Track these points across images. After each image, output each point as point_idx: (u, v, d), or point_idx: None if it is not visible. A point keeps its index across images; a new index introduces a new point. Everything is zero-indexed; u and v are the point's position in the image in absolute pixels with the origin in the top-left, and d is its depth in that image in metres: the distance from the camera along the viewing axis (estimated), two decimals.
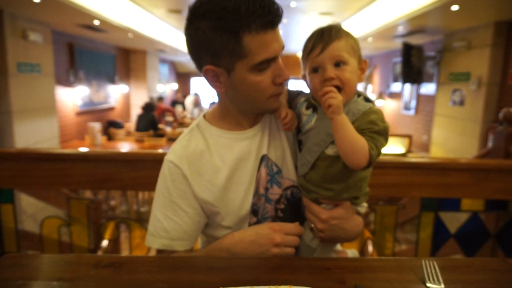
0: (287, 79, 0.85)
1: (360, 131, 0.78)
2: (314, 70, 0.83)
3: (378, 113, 0.82)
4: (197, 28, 0.79)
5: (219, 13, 0.76)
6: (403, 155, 6.10)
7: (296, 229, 0.89)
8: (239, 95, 0.85)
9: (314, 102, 0.88)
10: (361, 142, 0.76)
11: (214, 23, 0.76)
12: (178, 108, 9.87)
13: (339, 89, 0.80)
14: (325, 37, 0.81)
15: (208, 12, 0.77)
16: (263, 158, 0.91)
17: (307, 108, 0.89)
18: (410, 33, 5.51)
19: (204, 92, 11.89)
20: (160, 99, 8.95)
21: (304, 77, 0.89)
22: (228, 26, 0.76)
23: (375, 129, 0.79)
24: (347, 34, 0.84)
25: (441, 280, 0.70)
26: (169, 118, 8.43)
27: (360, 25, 5.94)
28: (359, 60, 0.85)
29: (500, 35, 4.54)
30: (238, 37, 0.76)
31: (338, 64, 0.81)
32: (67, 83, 6.08)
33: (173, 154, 0.91)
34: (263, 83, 0.82)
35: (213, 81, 0.85)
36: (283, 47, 0.83)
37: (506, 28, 4.52)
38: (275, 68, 0.83)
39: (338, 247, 1.04)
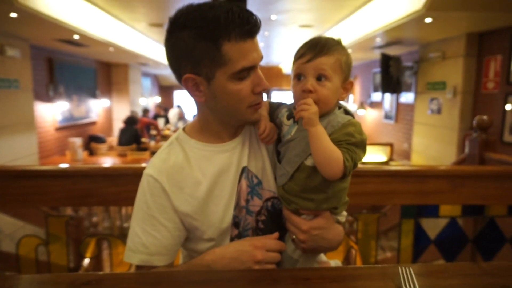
0: (266, 89, 0.87)
1: (337, 142, 0.80)
2: (297, 77, 0.85)
3: (356, 125, 0.83)
4: (177, 38, 0.81)
5: (200, 23, 0.78)
6: (385, 163, 6.22)
7: (278, 245, 0.89)
8: (219, 104, 0.86)
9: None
10: (336, 154, 0.78)
11: (195, 32, 0.78)
12: (160, 122, 9.80)
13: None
14: (317, 48, 0.83)
15: (188, 22, 0.79)
16: (244, 170, 0.92)
17: (288, 118, 0.90)
18: (388, 44, 5.67)
19: (187, 105, 11.86)
20: (146, 111, 8.88)
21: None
22: (208, 34, 0.78)
23: (352, 141, 0.80)
24: (341, 52, 0.85)
25: (417, 286, 0.72)
26: (153, 132, 8.36)
27: (340, 37, 6.06)
28: (345, 79, 0.87)
29: (472, 45, 4.72)
30: (218, 45, 0.78)
31: (319, 78, 0.83)
32: (46, 98, 5.97)
33: (152, 168, 0.91)
34: (243, 92, 0.83)
35: (193, 90, 0.86)
36: (261, 57, 0.85)
37: (477, 39, 4.72)
38: (255, 78, 0.85)
39: (322, 257, 1.04)
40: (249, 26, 0.79)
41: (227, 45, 0.78)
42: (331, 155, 0.77)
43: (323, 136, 0.78)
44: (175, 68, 0.86)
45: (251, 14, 0.80)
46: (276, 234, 0.90)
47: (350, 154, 0.79)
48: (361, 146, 0.82)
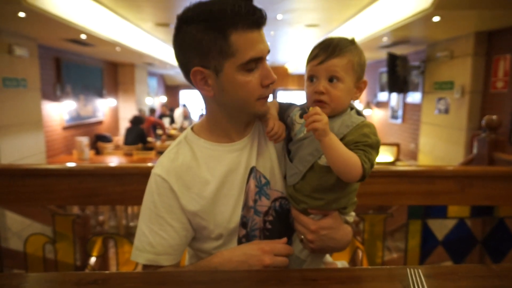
0: (274, 81, 0.86)
1: (354, 144, 0.80)
2: (310, 78, 0.86)
3: (371, 126, 0.84)
4: (185, 33, 0.82)
5: (206, 15, 0.79)
6: (392, 163, 6.17)
7: (286, 249, 0.88)
8: (228, 97, 0.86)
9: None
10: (353, 159, 0.77)
11: (202, 24, 0.79)
12: (165, 121, 9.84)
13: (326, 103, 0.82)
14: (329, 50, 0.83)
15: (195, 16, 0.80)
16: (252, 170, 0.91)
17: (301, 117, 0.90)
18: (395, 43, 5.63)
19: (192, 104, 11.88)
20: (152, 111, 8.91)
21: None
22: (215, 25, 0.79)
23: (368, 142, 0.80)
24: (353, 53, 0.85)
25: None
26: (159, 131, 8.40)
27: (353, 36, 6.04)
28: (358, 79, 0.87)
29: (481, 45, 4.67)
30: (225, 35, 0.79)
31: (331, 79, 0.83)
32: (53, 97, 6.02)
33: (161, 167, 0.91)
34: (251, 84, 0.83)
35: (202, 84, 0.86)
36: (268, 50, 0.85)
37: (486, 38, 4.66)
38: (263, 70, 0.84)
39: (328, 258, 1.03)
40: (255, 16, 0.80)
41: (234, 35, 0.79)
42: (348, 160, 0.77)
43: (337, 144, 0.77)
44: (183, 63, 0.86)
45: (256, 7, 0.81)
46: (285, 239, 0.90)
47: (367, 155, 0.79)
48: (376, 147, 0.82)
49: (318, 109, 0.78)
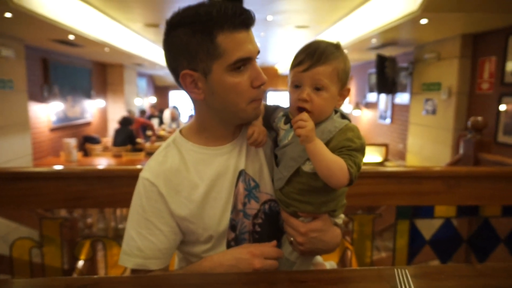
0: (264, 82, 0.86)
1: (338, 149, 0.79)
2: (294, 85, 0.84)
3: (354, 130, 0.83)
4: (173, 37, 0.82)
5: (193, 18, 0.80)
6: (381, 163, 6.24)
7: (276, 252, 0.88)
8: (218, 100, 0.85)
9: (292, 117, 0.88)
10: (339, 164, 0.77)
11: (189, 27, 0.80)
12: (154, 122, 9.77)
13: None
14: (315, 57, 0.81)
15: (182, 19, 0.81)
16: (241, 173, 0.91)
17: (285, 123, 0.90)
18: (384, 45, 5.69)
19: (182, 105, 11.81)
20: (143, 112, 8.83)
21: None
22: (202, 28, 0.79)
23: (353, 147, 0.80)
24: (339, 59, 0.83)
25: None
26: (149, 132, 8.34)
27: (336, 38, 6.09)
28: (343, 86, 0.86)
29: (467, 47, 4.75)
30: (212, 37, 0.79)
31: (317, 88, 0.82)
32: (41, 98, 5.93)
33: (149, 171, 0.90)
34: (241, 85, 0.83)
35: (191, 87, 0.85)
36: (258, 51, 0.85)
37: (472, 40, 4.75)
38: (252, 71, 0.84)
39: (318, 259, 1.04)
40: (242, 17, 0.80)
41: (221, 36, 0.79)
42: (334, 166, 0.76)
43: (323, 150, 0.77)
44: (172, 67, 0.86)
45: (244, 8, 0.81)
46: (274, 242, 0.90)
47: (353, 159, 0.78)
48: (361, 150, 0.82)
49: (305, 115, 0.78)
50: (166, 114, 10.32)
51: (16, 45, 4.72)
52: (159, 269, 0.89)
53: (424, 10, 3.48)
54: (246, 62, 0.83)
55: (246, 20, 0.81)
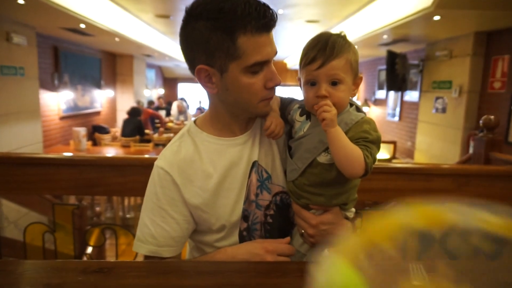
0: (278, 84, 0.86)
1: (355, 140, 0.80)
2: (310, 83, 0.84)
3: (371, 123, 0.84)
4: (193, 28, 0.80)
5: (216, 14, 0.77)
6: (388, 161, 6.20)
7: (289, 250, 0.89)
8: (231, 97, 0.86)
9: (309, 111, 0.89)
10: (356, 152, 0.78)
11: (211, 23, 0.78)
12: (161, 114, 9.80)
13: None
14: (327, 52, 0.81)
15: (205, 12, 0.78)
16: (254, 164, 0.92)
17: (301, 115, 0.90)
18: (394, 41, 5.64)
19: (190, 97, 11.82)
20: (151, 103, 8.85)
21: (299, 80, 0.89)
22: (224, 26, 0.77)
23: (369, 139, 0.80)
24: (349, 49, 0.84)
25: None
26: (157, 124, 8.37)
27: (346, 33, 6.03)
28: (355, 75, 0.86)
29: (480, 45, 4.69)
30: (233, 37, 0.77)
31: (333, 83, 0.82)
32: (51, 87, 5.98)
33: (164, 160, 0.91)
34: (255, 86, 0.83)
35: (206, 81, 0.85)
36: (276, 52, 0.85)
37: (486, 39, 4.68)
38: (268, 72, 0.84)
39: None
40: (265, 20, 0.79)
41: (242, 38, 0.78)
42: (352, 153, 0.77)
43: (342, 136, 0.78)
44: (188, 58, 0.86)
45: (268, 7, 0.80)
46: (288, 239, 0.91)
47: (369, 150, 0.79)
48: (377, 143, 0.83)
49: (328, 101, 0.79)
50: (174, 107, 10.34)
51: (28, 32, 4.75)
52: (171, 257, 0.91)
53: (437, 7, 3.43)
54: (262, 64, 0.83)
55: (269, 22, 0.80)
